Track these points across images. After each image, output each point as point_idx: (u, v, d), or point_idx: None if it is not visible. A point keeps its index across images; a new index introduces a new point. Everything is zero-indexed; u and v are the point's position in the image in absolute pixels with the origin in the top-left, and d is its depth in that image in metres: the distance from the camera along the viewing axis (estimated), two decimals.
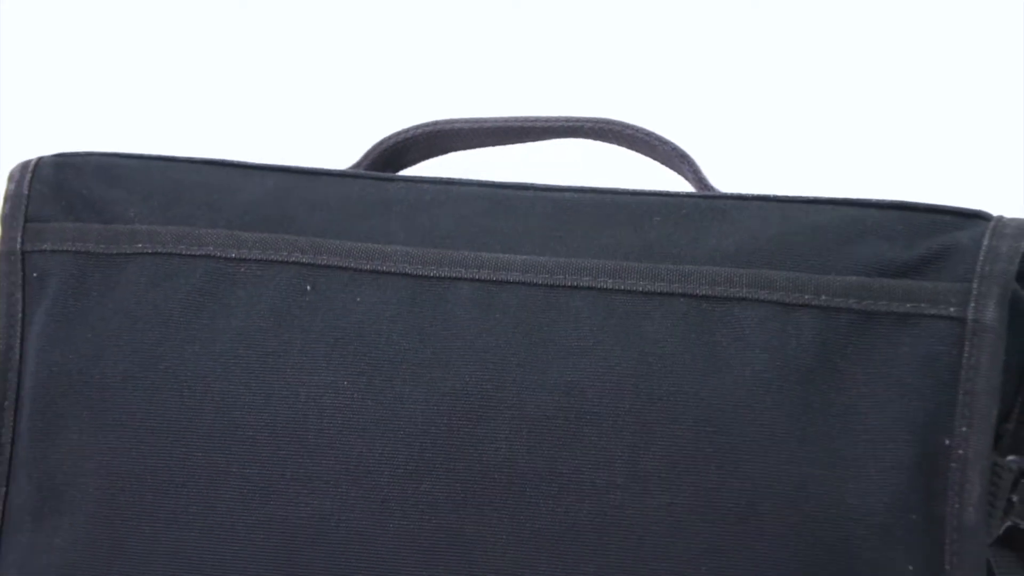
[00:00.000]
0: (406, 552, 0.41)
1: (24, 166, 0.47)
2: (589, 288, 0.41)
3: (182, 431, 0.43)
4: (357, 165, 0.51)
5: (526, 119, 0.49)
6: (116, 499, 0.43)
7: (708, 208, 0.43)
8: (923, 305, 0.39)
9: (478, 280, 0.42)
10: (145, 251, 0.45)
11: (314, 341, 0.42)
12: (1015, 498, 0.40)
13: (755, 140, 0.64)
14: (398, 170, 0.52)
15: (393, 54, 0.66)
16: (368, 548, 0.41)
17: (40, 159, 0.47)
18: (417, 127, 0.50)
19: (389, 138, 0.50)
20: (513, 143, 0.51)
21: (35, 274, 0.46)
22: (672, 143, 0.48)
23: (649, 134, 0.48)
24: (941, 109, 0.63)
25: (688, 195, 0.43)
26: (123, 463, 0.43)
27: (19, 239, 0.46)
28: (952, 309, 0.39)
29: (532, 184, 0.45)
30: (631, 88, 0.63)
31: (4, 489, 0.45)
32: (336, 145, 0.56)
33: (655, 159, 0.49)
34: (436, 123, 0.50)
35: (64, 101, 0.56)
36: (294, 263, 0.43)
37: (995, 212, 0.41)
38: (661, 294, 0.41)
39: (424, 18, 0.64)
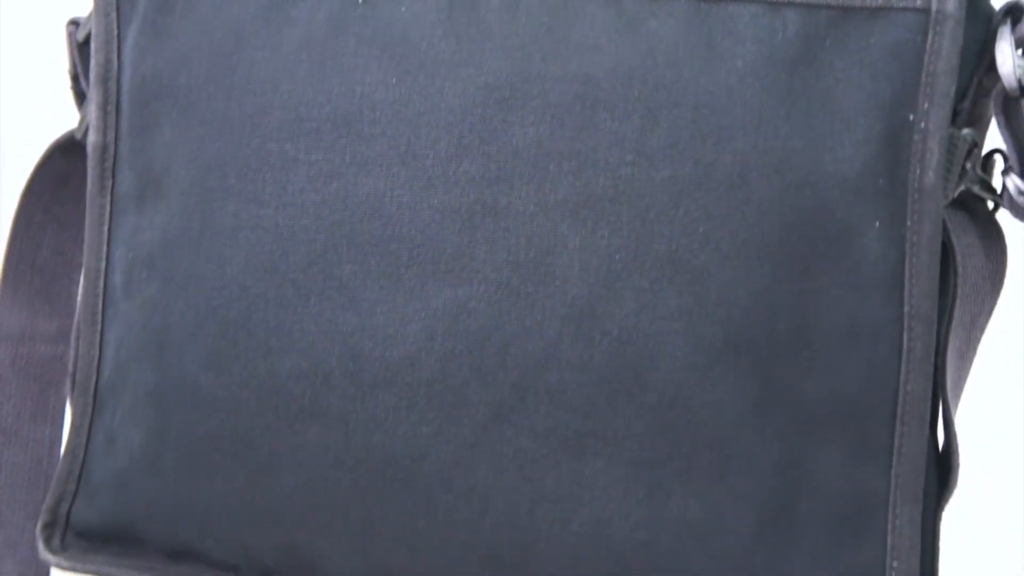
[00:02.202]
0: (448, 222, 0.48)
1: None
2: None
3: (256, 125, 0.50)
4: None
5: None
6: (204, 183, 0.50)
7: None
8: (893, 0, 0.45)
9: None
10: None
11: (366, 45, 0.49)
12: (968, 165, 0.46)
13: None
14: None
15: None
16: (416, 219, 0.48)
17: None
18: None
19: None
20: None
21: None
22: None
23: None
24: None
25: None
26: (209, 153, 0.50)
27: None
28: (918, 2, 0.45)
29: None
30: None
31: (111, 181, 0.53)
32: None
33: None
34: None
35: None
36: None
37: None
38: None
39: None
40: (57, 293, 0.56)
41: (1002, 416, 0.61)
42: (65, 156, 0.56)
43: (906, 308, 0.44)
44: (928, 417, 0.45)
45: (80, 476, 0.53)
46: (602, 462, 0.46)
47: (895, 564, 0.44)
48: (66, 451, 0.54)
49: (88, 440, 0.53)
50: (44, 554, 0.53)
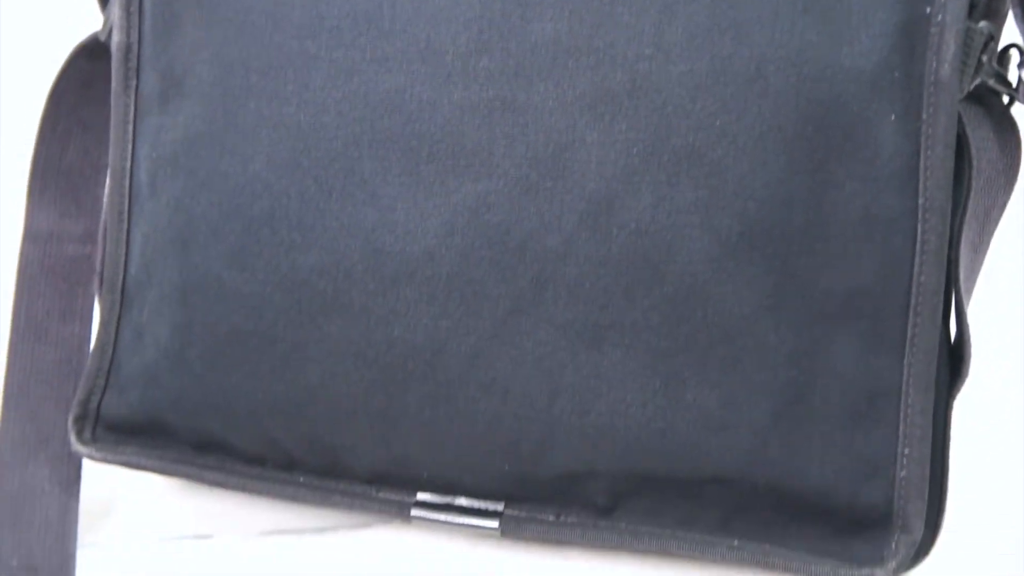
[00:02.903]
0: (468, 118, 0.48)
1: None
2: None
3: (278, 23, 0.50)
4: None
5: None
6: (226, 82, 0.51)
7: None
8: None
9: None
10: None
11: None
12: (984, 59, 0.46)
13: None
14: None
15: None
16: (436, 115, 0.48)
17: None
18: None
19: None
20: None
21: None
22: None
23: None
24: None
25: None
26: (231, 52, 0.51)
27: None
28: None
29: None
30: None
31: (135, 81, 0.54)
32: None
33: None
34: None
35: None
36: None
37: None
38: None
39: None
40: (84, 194, 0.57)
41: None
42: (89, 59, 0.56)
43: (920, 200, 0.45)
44: (941, 308, 0.46)
45: (109, 371, 0.55)
46: (619, 353, 0.47)
47: (907, 452, 0.45)
48: (95, 347, 0.55)
49: (116, 336, 0.54)
50: (76, 446, 0.54)
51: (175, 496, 0.57)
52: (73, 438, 0.54)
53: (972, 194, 0.46)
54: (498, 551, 0.52)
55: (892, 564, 0.45)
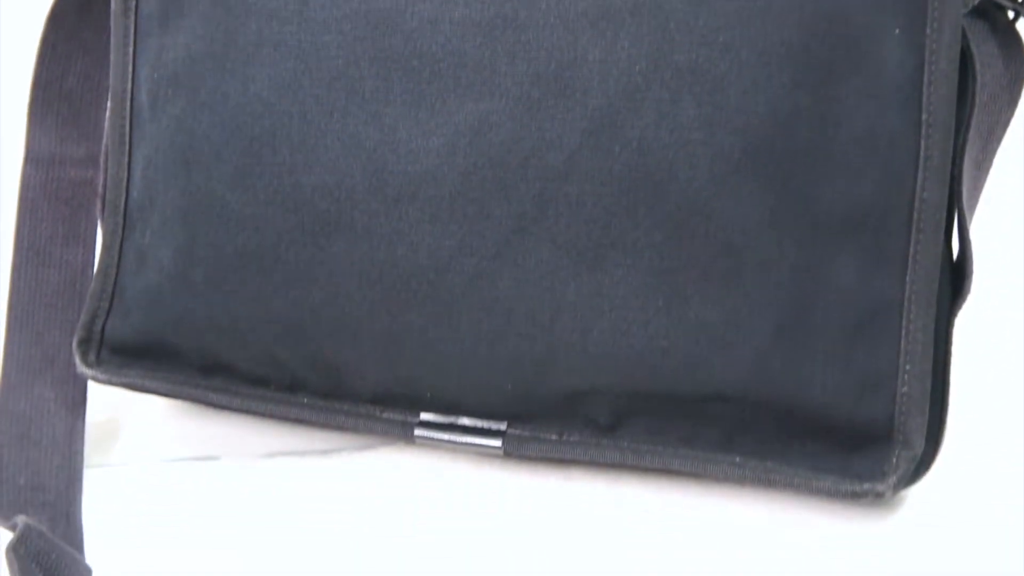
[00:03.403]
0: (469, 36, 0.48)
1: None
2: None
3: None
4: None
5: None
6: (227, 1, 0.51)
7: None
8: None
9: None
10: None
11: None
12: None
13: None
14: None
15: None
16: (437, 34, 0.48)
17: None
18: None
19: None
20: None
21: None
22: None
23: None
24: None
25: None
26: None
27: None
28: None
29: None
30: None
31: (135, 3, 0.53)
32: None
33: None
34: None
35: None
36: None
37: None
38: None
39: None
40: (85, 118, 0.57)
41: None
42: None
43: (924, 116, 0.45)
44: (943, 225, 0.46)
45: (113, 294, 0.55)
46: (621, 272, 0.47)
47: (908, 367, 0.45)
48: (98, 270, 0.55)
49: (120, 259, 0.55)
50: (81, 368, 0.54)
51: (180, 419, 0.58)
52: (78, 360, 0.54)
53: (976, 110, 0.46)
54: (501, 472, 0.52)
55: (893, 479, 0.45)
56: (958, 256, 0.47)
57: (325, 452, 0.55)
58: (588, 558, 0.47)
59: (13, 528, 0.46)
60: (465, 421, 0.51)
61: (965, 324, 0.48)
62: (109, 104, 0.55)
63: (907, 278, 0.46)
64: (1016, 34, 0.49)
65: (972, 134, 0.46)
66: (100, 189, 0.55)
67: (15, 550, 0.44)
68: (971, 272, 0.47)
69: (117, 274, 0.55)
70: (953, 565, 0.46)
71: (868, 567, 0.46)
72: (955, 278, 0.47)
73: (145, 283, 0.54)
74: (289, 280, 0.51)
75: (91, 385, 0.56)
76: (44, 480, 0.51)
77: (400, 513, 0.50)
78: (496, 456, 0.52)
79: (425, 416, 0.51)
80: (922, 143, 0.45)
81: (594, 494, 0.51)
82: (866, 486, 0.45)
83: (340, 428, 0.54)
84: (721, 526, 0.48)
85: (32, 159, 0.56)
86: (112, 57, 0.54)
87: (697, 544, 0.48)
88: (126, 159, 0.54)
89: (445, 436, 0.51)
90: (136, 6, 0.53)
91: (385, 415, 0.51)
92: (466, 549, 0.48)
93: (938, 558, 0.46)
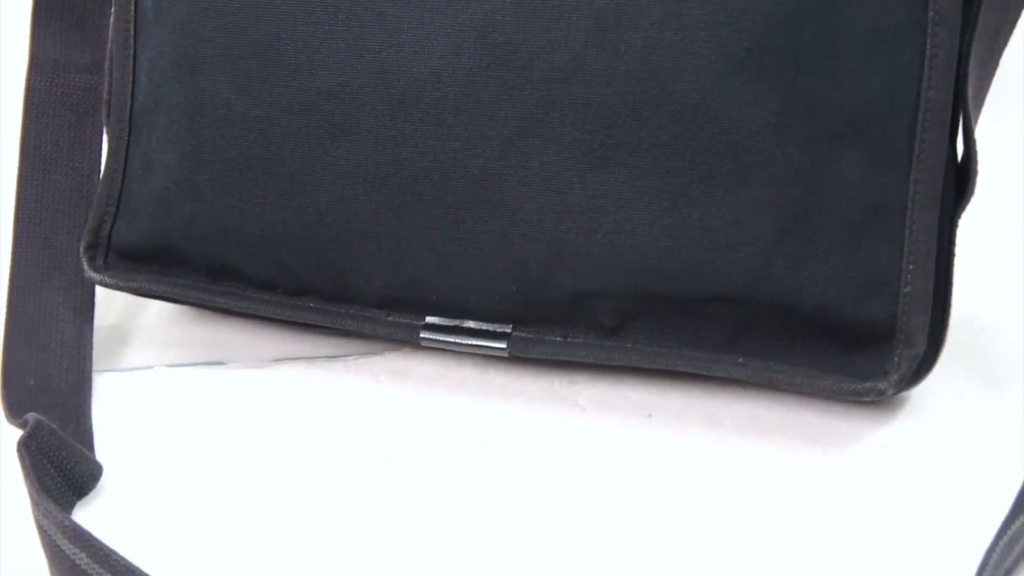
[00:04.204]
0: None
1: None
2: None
3: None
4: None
5: None
6: None
7: None
8: None
9: None
10: None
11: None
12: None
13: None
14: None
15: None
16: None
17: None
18: None
19: None
20: None
21: None
22: None
23: None
24: None
25: None
26: None
27: None
28: None
29: None
30: None
31: None
32: None
33: None
34: None
35: None
36: None
37: None
38: None
39: None
40: (89, 24, 0.57)
41: None
42: None
43: (930, 14, 0.44)
44: (948, 124, 0.45)
45: (119, 199, 0.55)
46: (626, 172, 0.47)
47: (911, 267, 0.46)
48: (104, 175, 0.55)
49: (126, 163, 0.55)
50: (89, 273, 0.55)
51: (187, 325, 0.58)
52: (85, 265, 0.55)
53: (983, 8, 0.46)
54: (506, 377, 0.53)
55: (894, 377, 0.45)
56: (963, 156, 0.47)
57: (332, 357, 0.55)
58: (592, 460, 0.48)
59: (24, 425, 0.47)
60: (470, 324, 0.51)
61: (968, 225, 0.48)
62: (113, 9, 0.54)
63: (911, 178, 0.46)
64: None
65: (979, 33, 0.46)
66: (105, 95, 0.55)
67: (26, 445, 0.45)
68: (975, 172, 0.47)
69: (123, 179, 0.55)
70: (953, 468, 0.46)
71: (870, 470, 0.46)
72: (959, 178, 0.47)
73: (151, 188, 0.54)
74: (294, 183, 0.51)
75: (99, 291, 0.56)
76: (53, 382, 0.52)
77: (406, 417, 0.51)
78: (501, 359, 0.52)
79: (431, 319, 0.51)
80: (928, 42, 0.45)
81: (599, 397, 0.51)
82: (867, 385, 0.45)
83: (346, 332, 0.55)
84: (724, 429, 0.49)
85: (37, 66, 0.56)
86: None
87: (700, 446, 0.48)
88: (131, 64, 0.54)
89: (450, 339, 0.51)
90: None
91: (391, 318, 0.52)
92: (471, 453, 0.48)
93: (938, 461, 0.46)
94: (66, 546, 0.40)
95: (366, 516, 0.45)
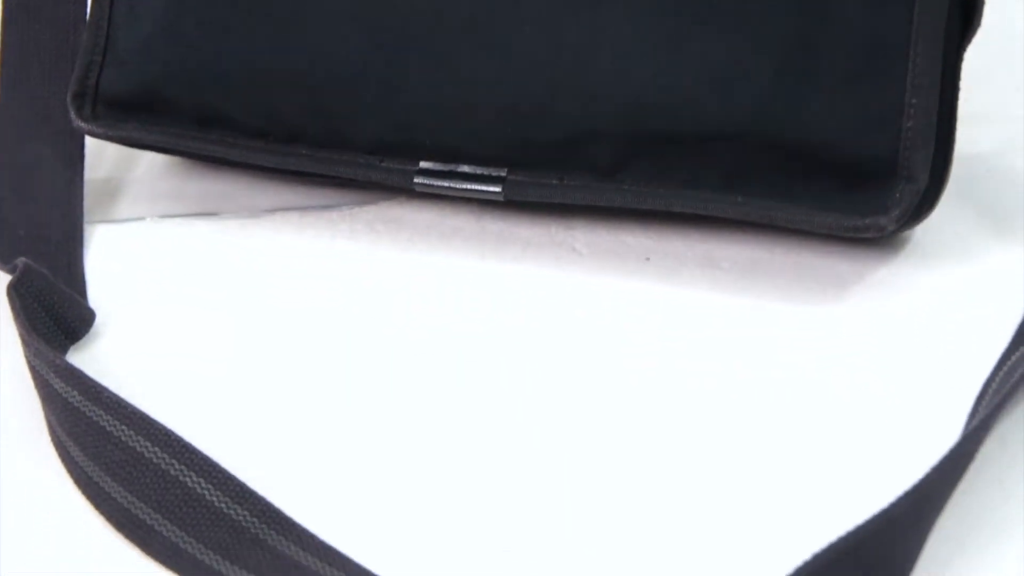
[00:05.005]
0: None
1: None
2: None
3: None
4: None
5: None
6: None
7: None
8: None
9: None
10: None
11: None
12: None
13: None
14: None
15: None
16: None
17: None
18: None
19: None
20: None
21: None
22: None
23: None
24: None
25: None
26: None
27: None
28: None
29: None
30: None
31: None
32: None
33: None
34: None
35: None
36: None
37: None
38: None
39: None
40: None
41: None
42: None
43: None
44: None
45: (105, 47, 0.54)
46: (621, 9, 0.46)
47: (914, 102, 0.44)
48: (90, 23, 0.54)
49: (111, 11, 0.53)
50: (77, 122, 0.54)
51: (180, 177, 0.57)
52: (73, 115, 0.54)
53: None
54: (502, 224, 0.52)
55: (896, 212, 0.44)
56: None
57: (325, 207, 0.54)
58: (589, 304, 0.47)
59: (13, 270, 0.46)
60: (465, 168, 0.50)
61: (973, 59, 0.47)
62: None
63: (915, 9, 0.44)
64: None
65: None
66: None
67: (16, 289, 0.45)
68: (982, 4, 0.46)
69: (109, 26, 0.54)
70: (955, 305, 0.46)
71: (872, 308, 0.46)
72: (965, 10, 0.46)
73: (137, 34, 0.53)
74: (283, 25, 0.50)
75: (91, 145, 0.56)
76: (44, 232, 0.51)
77: (401, 263, 0.50)
78: (497, 205, 0.52)
79: (425, 164, 0.51)
80: None
81: (596, 242, 0.50)
82: (868, 220, 0.45)
83: (341, 183, 0.54)
84: (723, 271, 0.48)
85: None
86: None
87: (698, 288, 0.47)
88: None
89: (445, 183, 0.50)
90: None
91: (385, 164, 0.51)
92: (466, 299, 0.48)
93: (940, 299, 0.46)
94: (58, 384, 0.40)
95: (362, 360, 0.45)
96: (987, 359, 0.41)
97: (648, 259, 0.49)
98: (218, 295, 0.49)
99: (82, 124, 0.54)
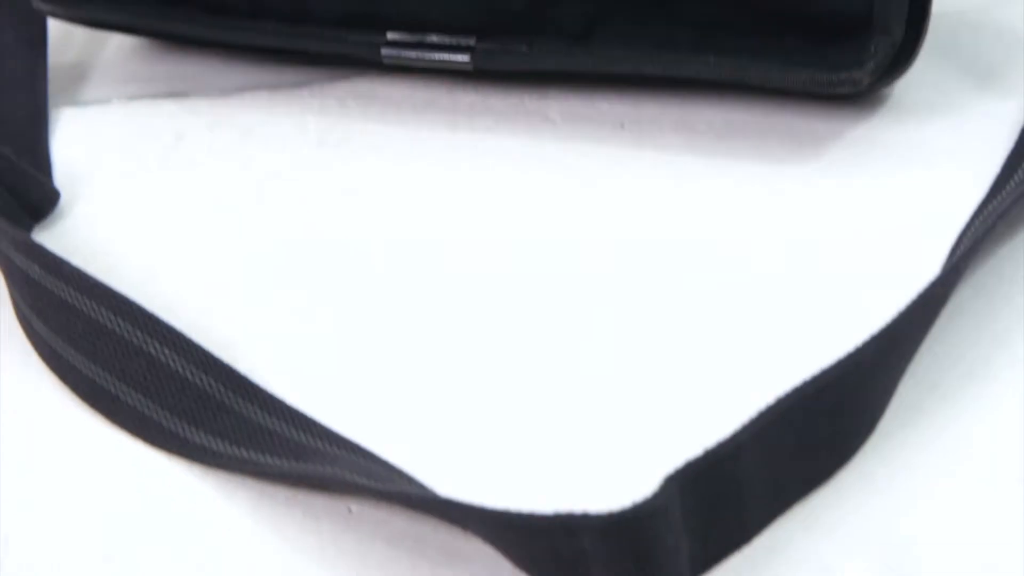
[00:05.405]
0: None
1: None
2: None
3: None
4: None
5: None
6: None
7: None
8: None
9: None
10: None
11: None
12: None
13: None
14: None
15: None
16: None
17: None
18: None
19: None
20: None
21: None
22: None
23: None
24: None
25: None
26: None
27: None
28: None
29: None
30: None
31: None
32: None
33: None
34: None
35: None
36: None
37: None
38: None
39: None
40: None
41: None
42: None
43: None
44: None
45: None
46: None
47: None
48: None
49: None
50: (37, 4, 0.52)
51: (148, 60, 0.56)
52: None
53: None
54: (475, 96, 0.51)
55: (871, 65, 0.43)
56: None
57: (296, 84, 0.53)
58: (563, 171, 0.46)
59: None
60: (433, 38, 0.49)
61: None
62: None
63: None
64: None
65: None
66: None
67: None
68: None
69: None
70: (934, 159, 0.45)
71: (850, 165, 0.45)
72: None
73: None
74: None
75: (57, 30, 0.55)
76: (7, 114, 0.50)
77: (374, 139, 0.49)
78: (469, 77, 0.51)
79: (392, 35, 0.50)
80: None
81: (570, 110, 0.49)
82: (843, 75, 0.44)
83: (309, 60, 0.53)
84: (698, 133, 0.47)
85: None
86: None
87: (675, 151, 0.47)
88: None
89: (413, 54, 0.49)
90: None
91: (352, 37, 0.50)
92: (441, 172, 0.47)
93: (919, 153, 0.45)
94: (19, 259, 0.40)
95: (333, 234, 0.45)
96: (964, 211, 0.41)
97: (623, 125, 0.48)
98: (186, 175, 0.48)
99: (43, 5, 0.52)
